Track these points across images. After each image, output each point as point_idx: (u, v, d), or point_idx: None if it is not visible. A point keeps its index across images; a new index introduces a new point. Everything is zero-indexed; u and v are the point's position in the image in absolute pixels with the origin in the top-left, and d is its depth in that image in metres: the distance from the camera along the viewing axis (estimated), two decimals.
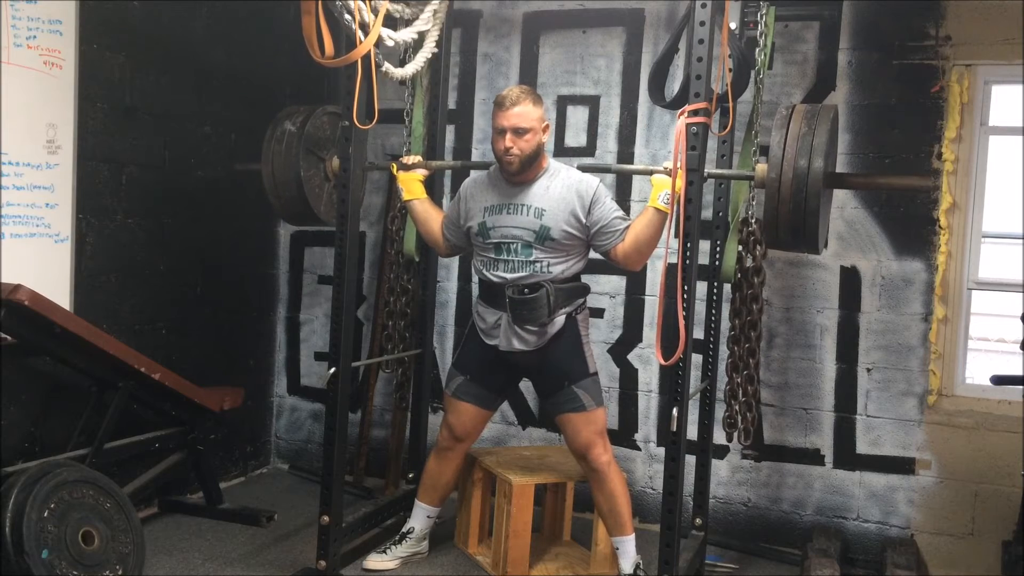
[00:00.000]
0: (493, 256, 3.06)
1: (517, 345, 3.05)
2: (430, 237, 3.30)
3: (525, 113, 2.93)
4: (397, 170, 3.26)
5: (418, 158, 3.29)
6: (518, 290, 2.98)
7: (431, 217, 3.27)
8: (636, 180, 3.89)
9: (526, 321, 2.99)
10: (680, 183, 2.65)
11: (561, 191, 3.00)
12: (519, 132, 2.92)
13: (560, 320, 3.04)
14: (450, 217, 3.23)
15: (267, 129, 3.33)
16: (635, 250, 2.94)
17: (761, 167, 2.71)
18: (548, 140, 3.06)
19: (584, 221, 2.98)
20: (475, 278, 3.41)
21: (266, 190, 3.33)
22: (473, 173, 3.36)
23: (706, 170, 2.75)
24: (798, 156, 2.56)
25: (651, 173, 2.90)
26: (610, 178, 3.92)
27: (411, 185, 3.25)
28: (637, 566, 3.08)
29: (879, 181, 2.97)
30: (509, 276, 3.02)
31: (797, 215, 2.59)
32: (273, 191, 3.32)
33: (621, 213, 3.01)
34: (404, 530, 3.39)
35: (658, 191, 2.83)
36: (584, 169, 3.08)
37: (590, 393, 3.08)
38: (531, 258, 3.01)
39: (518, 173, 3.00)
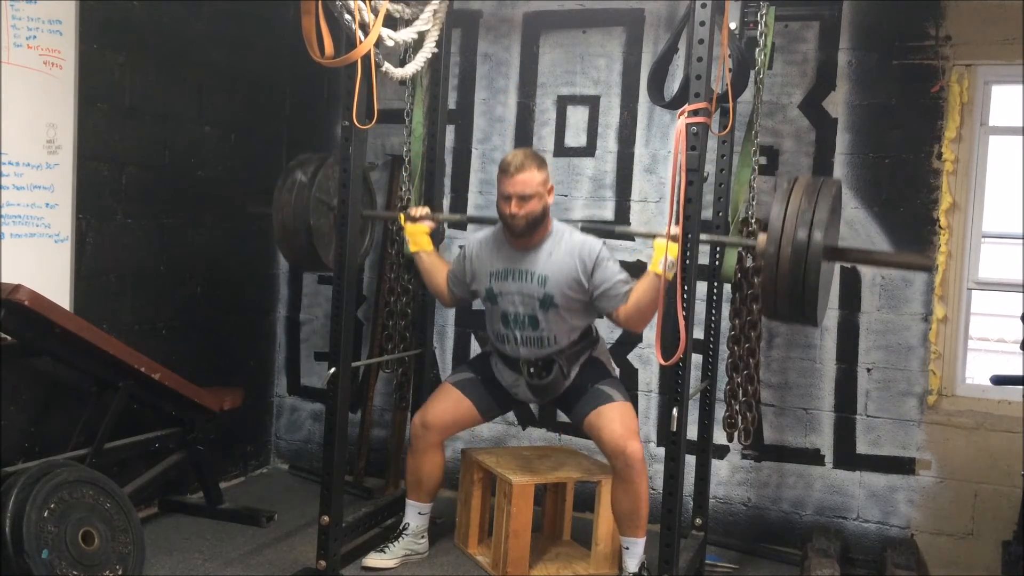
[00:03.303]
0: (502, 329, 3.17)
1: (538, 399, 3.27)
2: (435, 289, 3.38)
3: (529, 179, 2.96)
4: (404, 221, 3.30)
5: (426, 209, 3.31)
6: (534, 373, 3.13)
7: (437, 270, 3.34)
8: (636, 180, 3.89)
9: (545, 396, 3.19)
10: (676, 249, 2.66)
11: (564, 257, 3.06)
12: (524, 198, 2.97)
13: (576, 368, 3.18)
14: (455, 274, 3.31)
15: (279, 178, 3.36)
16: (637, 312, 2.98)
17: (762, 237, 2.69)
18: (552, 200, 3.11)
19: (586, 286, 3.04)
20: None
21: (275, 237, 3.38)
22: (476, 234, 3.38)
23: (702, 235, 2.75)
24: (798, 231, 2.51)
25: (653, 237, 2.93)
26: (610, 178, 3.93)
27: (418, 238, 3.31)
28: (642, 565, 3.09)
29: (879, 257, 3.02)
30: (523, 352, 3.14)
31: (795, 290, 2.53)
32: (283, 239, 3.35)
33: (624, 276, 3.05)
34: (400, 527, 3.39)
35: (659, 256, 2.83)
36: (587, 230, 3.14)
37: (616, 389, 3.15)
38: (538, 332, 3.10)
39: (523, 235, 3.05)
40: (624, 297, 3.00)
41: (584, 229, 3.14)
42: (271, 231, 4.35)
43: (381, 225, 4.21)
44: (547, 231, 3.09)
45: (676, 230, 2.67)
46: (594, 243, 3.06)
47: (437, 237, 3.65)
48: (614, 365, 3.36)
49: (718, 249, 3.26)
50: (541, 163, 3.03)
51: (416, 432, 3.29)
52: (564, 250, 3.06)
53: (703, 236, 2.76)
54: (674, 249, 2.67)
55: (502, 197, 3.01)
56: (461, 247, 3.38)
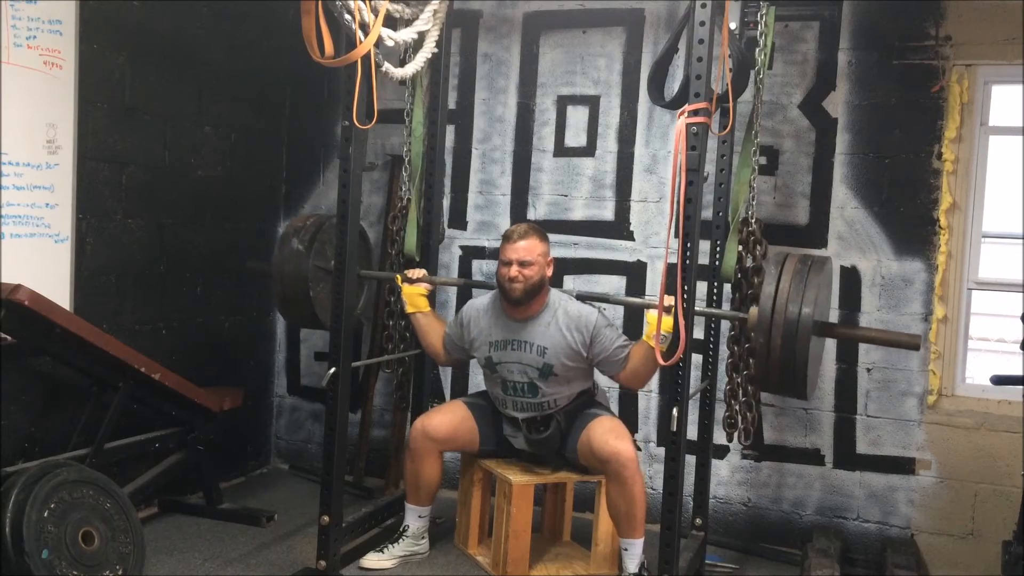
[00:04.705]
0: (502, 394, 3.27)
1: (534, 451, 3.31)
2: (430, 349, 3.45)
3: (531, 247, 3.10)
4: (402, 282, 3.35)
5: (422, 272, 3.37)
6: (532, 429, 3.23)
7: (433, 330, 3.41)
8: (636, 180, 3.89)
9: (543, 450, 3.26)
10: (668, 321, 2.69)
11: (561, 329, 3.14)
12: (524, 264, 3.09)
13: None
14: (451, 337, 3.38)
15: (275, 247, 3.46)
16: (634, 376, 3.14)
17: (754, 310, 2.76)
18: (551, 273, 3.20)
19: (585, 355, 3.15)
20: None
21: (276, 303, 3.51)
22: (473, 301, 3.39)
23: (696, 306, 2.77)
24: (788, 308, 2.61)
25: (647, 307, 3.00)
26: (610, 178, 3.93)
27: (415, 300, 3.38)
28: (642, 566, 3.09)
29: (867, 335, 3.07)
30: (521, 416, 3.25)
31: (787, 366, 2.64)
32: (284, 307, 3.50)
33: (621, 342, 3.13)
34: (400, 529, 3.40)
35: (652, 329, 2.87)
36: (582, 299, 3.21)
37: (603, 409, 3.28)
38: (537, 398, 3.21)
39: (520, 303, 3.13)
40: (623, 363, 3.12)
41: (580, 297, 3.22)
42: (271, 231, 4.40)
43: (381, 225, 4.21)
44: (544, 302, 3.19)
45: (669, 301, 2.69)
46: (590, 314, 3.15)
47: (436, 237, 3.65)
48: (610, 407, 3.44)
49: (718, 249, 3.26)
50: (543, 236, 3.17)
51: (415, 435, 3.30)
52: (562, 322, 3.15)
53: (697, 309, 2.83)
54: (667, 323, 2.70)
55: (503, 263, 3.12)
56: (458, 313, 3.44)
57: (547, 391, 3.19)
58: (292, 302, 3.40)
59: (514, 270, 3.09)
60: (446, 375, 4.20)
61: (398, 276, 3.37)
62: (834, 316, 3.64)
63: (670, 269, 2.69)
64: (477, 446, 3.36)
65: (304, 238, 3.35)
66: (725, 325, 3.39)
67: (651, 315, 2.91)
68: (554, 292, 3.24)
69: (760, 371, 2.73)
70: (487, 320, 3.27)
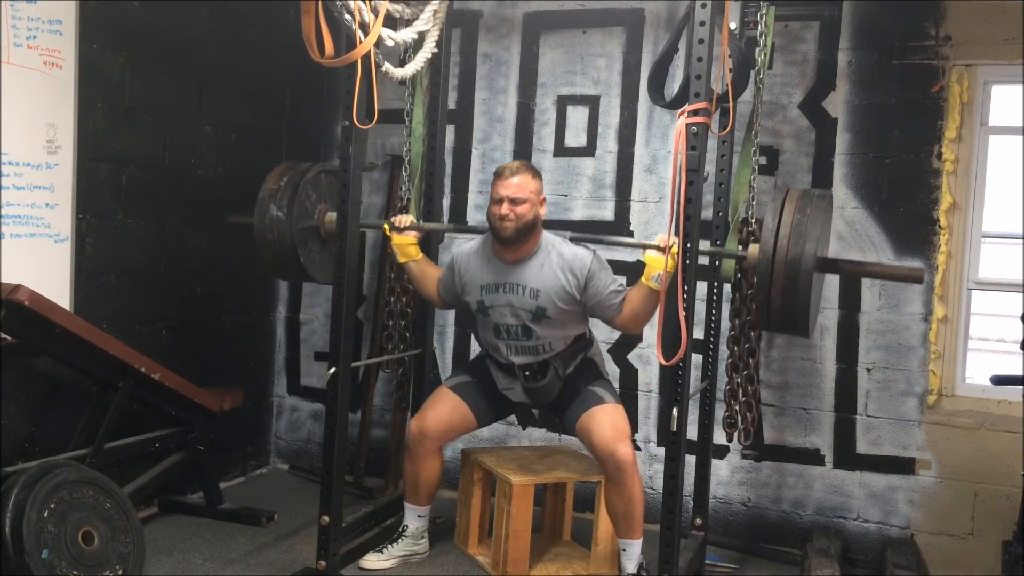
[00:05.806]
0: (494, 339, 3.19)
1: (533, 402, 3.25)
2: (426, 296, 3.42)
3: (523, 184, 3.00)
4: (390, 231, 3.29)
5: (410, 219, 3.31)
6: (529, 376, 3.15)
7: (428, 277, 3.35)
8: (636, 180, 3.89)
9: (541, 398, 3.19)
10: (672, 262, 2.67)
11: (555, 271, 3.06)
12: (516, 201, 2.99)
13: (572, 368, 3.19)
14: (445, 283, 3.31)
15: (255, 211, 3.25)
16: (632, 320, 3.05)
17: (754, 248, 2.73)
18: (544, 212, 3.12)
19: (579, 298, 3.06)
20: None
21: (267, 270, 3.42)
22: (464, 245, 3.32)
23: (700, 246, 2.74)
24: (791, 245, 2.56)
25: (644, 248, 2.94)
26: (610, 178, 3.93)
27: (405, 249, 3.32)
28: (641, 566, 3.08)
29: (870, 269, 3.04)
30: (516, 360, 3.17)
31: (790, 303, 2.59)
32: (277, 273, 3.44)
33: (616, 286, 3.06)
34: (400, 529, 3.40)
35: (652, 271, 2.86)
36: (576, 241, 3.13)
37: (608, 391, 3.17)
38: (531, 341, 3.13)
39: (512, 242, 3.04)
40: (619, 307, 3.03)
41: (574, 239, 3.14)
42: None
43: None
44: (536, 244, 3.10)
45: (674, 239, 2.68)
46: (584, 256, 3.07)
47: (437, 236, 3.65)
48: (606, 368, 3.37)
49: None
50: (536, 173, 3.08)
51: (413, 439, 3.28)
52: (555, 264, 3.06)
53: (702, 247, 2.79)
54: (663, 262, 2.68)
55: (494, 201, 3.02)
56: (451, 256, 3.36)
57: (541, 334, 3.11)
58: (282, 267, 3.31)
59: (505, 207, 2.98)
60: (446, 374, 4.19)
61: (386, 225, 3.30)
62: (833, 315, 3.65)
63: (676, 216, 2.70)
64: (475, 425, 3.34)
65: (282, 203, 3.21)
66: (725, 325, 3.39)
67: (650, 257, 2.87)
68: (547, 234, 3.14)
69: (762, 310, 2.64)
70: (477, 263, 3.18)
